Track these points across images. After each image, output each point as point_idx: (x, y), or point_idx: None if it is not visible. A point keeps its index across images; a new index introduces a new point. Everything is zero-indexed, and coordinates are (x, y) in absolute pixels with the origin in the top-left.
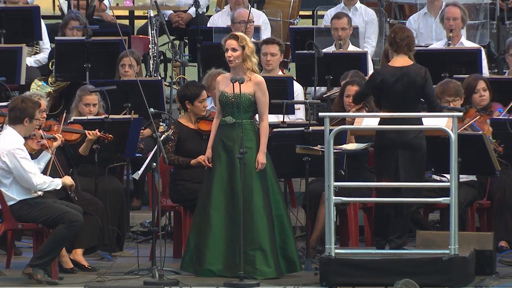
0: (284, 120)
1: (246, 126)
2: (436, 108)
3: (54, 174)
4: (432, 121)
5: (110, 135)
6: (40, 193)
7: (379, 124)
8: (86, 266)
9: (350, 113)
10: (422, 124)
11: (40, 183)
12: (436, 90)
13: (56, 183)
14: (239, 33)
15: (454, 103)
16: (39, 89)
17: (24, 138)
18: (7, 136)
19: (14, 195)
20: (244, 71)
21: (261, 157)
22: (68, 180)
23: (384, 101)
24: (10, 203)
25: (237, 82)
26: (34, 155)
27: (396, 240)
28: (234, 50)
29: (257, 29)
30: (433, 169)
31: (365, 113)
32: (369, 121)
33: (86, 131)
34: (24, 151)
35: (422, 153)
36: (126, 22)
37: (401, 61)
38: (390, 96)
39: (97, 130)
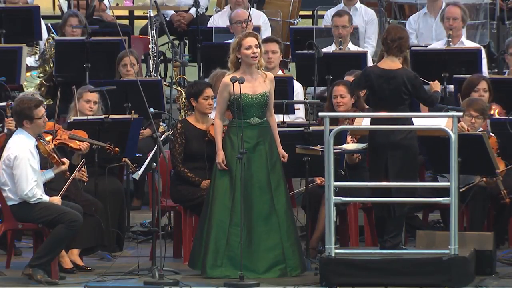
0: (284, 120)
1: (266, 125)
2: (432, 100)
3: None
4: (432, 121)
5: (117, 148)
6: (39, 196)
7: (370, 124)
8: (82, 265)
9: (350, 113)
10: (412, 123)
11: (29, 196)
12: (463, 103)
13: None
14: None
15: (477, 120)
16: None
17: (37, 138)
18: (18, 139)
19: (16, 196)
20: (257, 68)
21: (283, 150)
22: (56, 200)
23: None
24: (10, 203)
25: (237, 82)
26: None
27: (391, 240)
28: (257, 47)
29: (257, 29)
30: (433, 169)
31: (364, 113)
32: (368, 121)
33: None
34: (33, 156)
35: (412, 153)
36: (126, 22)
37: (389, 63)
38: (375, 96)
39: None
